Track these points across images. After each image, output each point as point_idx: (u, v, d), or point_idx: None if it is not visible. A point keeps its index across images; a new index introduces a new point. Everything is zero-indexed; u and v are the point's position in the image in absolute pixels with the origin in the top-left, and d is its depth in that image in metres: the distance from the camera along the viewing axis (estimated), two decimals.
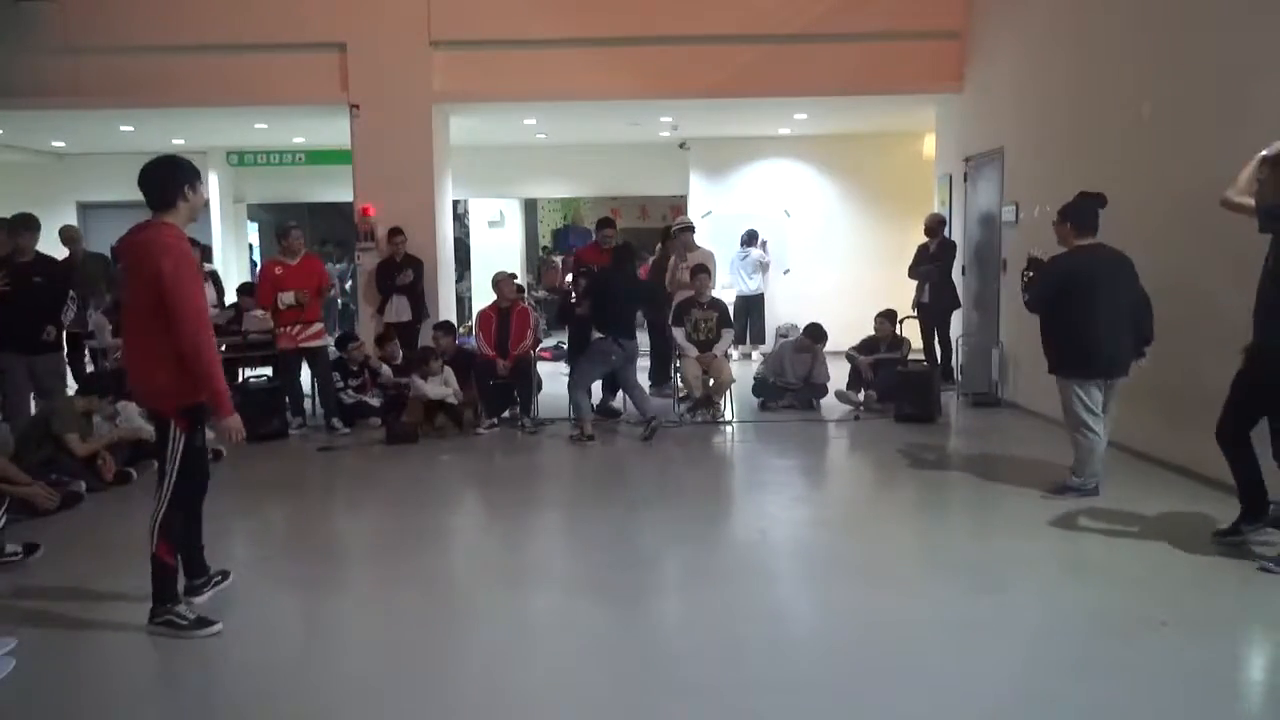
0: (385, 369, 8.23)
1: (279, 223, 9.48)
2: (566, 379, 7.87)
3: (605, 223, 9.05)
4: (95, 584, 4.42)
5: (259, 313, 8.35)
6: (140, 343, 3.81)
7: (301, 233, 8.12)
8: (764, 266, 12.29)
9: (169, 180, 3.81)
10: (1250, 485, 4.55)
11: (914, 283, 9.63)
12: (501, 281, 8.27)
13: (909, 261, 9.69)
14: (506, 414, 8.17)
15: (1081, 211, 5.31)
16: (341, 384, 8.08)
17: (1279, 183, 4.44)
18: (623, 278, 7.74)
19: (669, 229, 9.49)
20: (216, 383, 3.75)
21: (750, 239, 12.24)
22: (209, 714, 3.23)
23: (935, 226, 9.50)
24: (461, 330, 11.53)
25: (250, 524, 5.42)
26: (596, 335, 7.64)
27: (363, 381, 8.23)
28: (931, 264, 9.36)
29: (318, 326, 7.94)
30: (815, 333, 8.68)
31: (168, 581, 3.84)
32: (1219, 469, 5.36)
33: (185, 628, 3.79)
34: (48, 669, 3.53)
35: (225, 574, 4.29)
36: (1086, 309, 5.20)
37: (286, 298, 7.67)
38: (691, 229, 9.13)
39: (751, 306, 12.18)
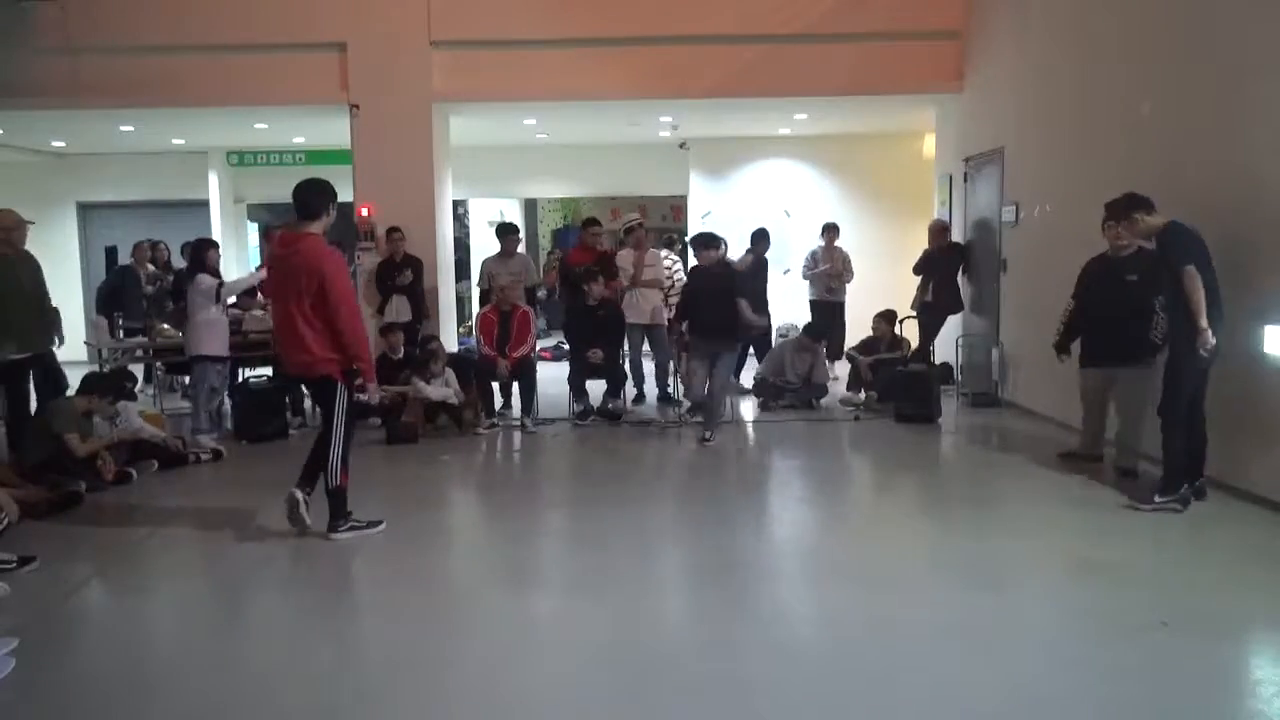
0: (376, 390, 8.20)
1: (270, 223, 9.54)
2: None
3: (591, 221, 9.06)
4: (95, 584, 4.43)
5: (259, 312, 8.36)
6: (307, 326, 4.73)
7: None
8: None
9: (319, 198, 4.78)
10: (1193, 455, 5.14)
11: (915, 281, 9.59)
12: (505, 286, 8.26)
13: (909, 261, 9.66)
14: (506, 406, 8.18)
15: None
16: None
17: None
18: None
19: (628, 228, 9.13)
20: (364, 352, 4.84)
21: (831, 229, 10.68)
22: (209, 714, 3.23)
23: (940, 234, 9.45)
24: (461, 330, 11.53)
25: (251, 524, 5.40)
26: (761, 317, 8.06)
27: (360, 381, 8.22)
28: (942, 265, 9.32)
29: None
30: (815, 332, 8.68)
31: (344, 500, 4.93)
32: (1217, 469, 5.38)
33: (363, 528, 4.93)
34: (47, 670, 3.53)
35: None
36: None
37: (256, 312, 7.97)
38: (642, 225, 9.09)
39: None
